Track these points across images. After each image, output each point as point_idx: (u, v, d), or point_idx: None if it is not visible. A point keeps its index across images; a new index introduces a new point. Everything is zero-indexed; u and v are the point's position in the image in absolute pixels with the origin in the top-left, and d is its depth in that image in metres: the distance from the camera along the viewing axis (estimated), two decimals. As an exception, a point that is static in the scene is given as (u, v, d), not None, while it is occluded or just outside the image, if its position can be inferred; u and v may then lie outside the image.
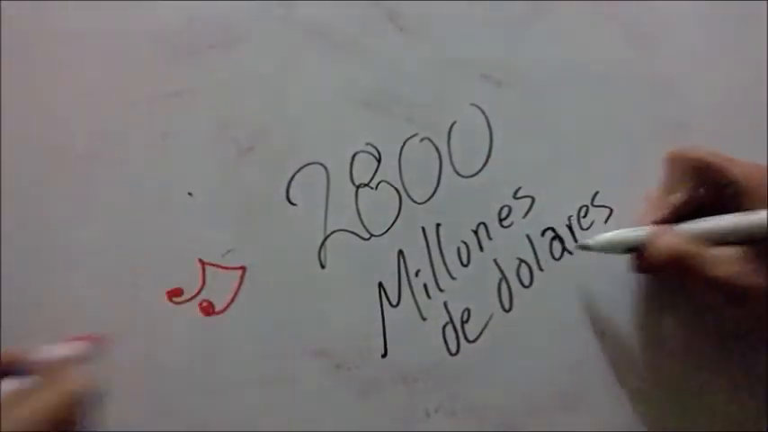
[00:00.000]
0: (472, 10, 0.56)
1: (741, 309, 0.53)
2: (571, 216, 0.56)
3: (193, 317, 0.54)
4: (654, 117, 0.57)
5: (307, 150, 0.55)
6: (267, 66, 0.55)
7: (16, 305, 0.53)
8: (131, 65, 0.55)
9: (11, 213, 0.54)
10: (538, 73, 0.56)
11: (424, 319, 0.55)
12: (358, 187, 0.55)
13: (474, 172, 0.55)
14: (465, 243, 0.55)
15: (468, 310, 0.55)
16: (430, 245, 0.55)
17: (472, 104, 0.56)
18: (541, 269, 0.55)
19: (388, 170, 0.55)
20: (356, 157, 0.55)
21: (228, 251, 0.54)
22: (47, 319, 0.53)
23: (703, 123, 0.57)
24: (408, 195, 0.55)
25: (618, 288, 0.56)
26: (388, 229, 0.55)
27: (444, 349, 0.55)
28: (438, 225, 0.55)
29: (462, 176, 0.55)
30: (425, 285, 0.55)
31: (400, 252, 0.55)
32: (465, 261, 0.55)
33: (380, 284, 0.55)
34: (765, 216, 0.47)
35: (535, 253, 0.55)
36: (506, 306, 0.55)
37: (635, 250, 0.51)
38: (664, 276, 0.54)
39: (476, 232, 0.55)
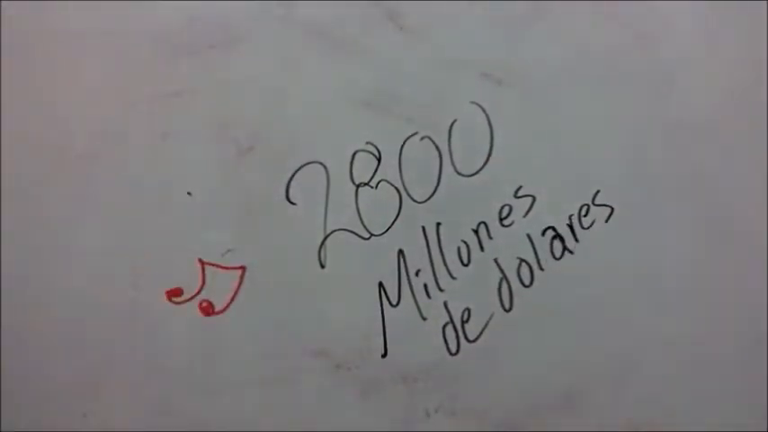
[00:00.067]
0: (472, 10, 0.56)
1: None
2: (572, 215, 0.56)
3: (193, 317, 0.54)
4: (654, 116, 0.57)
5: (307, 150, 0.55)
6: (267, 66, 0.55)
7: (16, 305, 0.53)
8: (131, 65, 0.55)
9: (11, 213, 0.54)
10: (538, 72, 0.56)
11: (424, 318, 0.55)
12: (358, 186, 0.55)
13: (474, 171, 0.55)
14: (465, 242, 0.55)
15: (468, 309, 0.55)
16: (430, 244, 0.55)
17: (473, 103, 0.56)
18: (542, 269, 0.55)
19: (389, 169, 0.55)
20: (356, 157, 0.55)
21: (228, 251, 0.54)
22: (47, 318, 0.53)
23: (703, 123, 0.57)
24: (408, 194, 0.55)
25: (618, 288, 0.55)
26: (389, 228, 0.55)
27: (444, 349, 0.55)
28: (438, 224, 0.55)
29: (463, 175, 0.55)
30: (425, 285, 0.55)
31: (400, 252, 0.55)
32: (465, 260, 0.55)
33: (380, 284, 0.55)
34: None
35: (536, 252, 0.55)
36: (506, 306, 0.55)
37: None
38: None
39: (476, 231, 0.55)
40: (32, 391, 0.53)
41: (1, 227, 0.53)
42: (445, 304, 0.55)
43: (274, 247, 0.54)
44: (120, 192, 0.54)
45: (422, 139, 0.55)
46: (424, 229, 0.55)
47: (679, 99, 0.57)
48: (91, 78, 0.54)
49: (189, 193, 0.54)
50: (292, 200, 0.54)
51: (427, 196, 0.55)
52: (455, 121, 0.55)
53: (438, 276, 0.55)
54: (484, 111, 0.56)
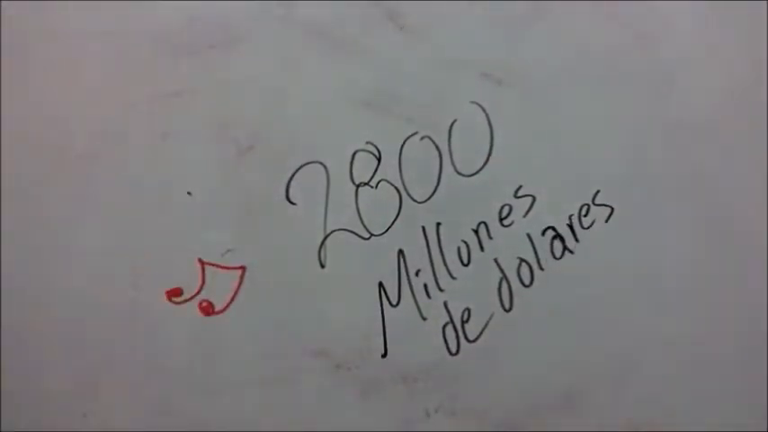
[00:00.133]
0: (472, 10, 0.56)
1: None
2: (572, 215, 0.56)
3: (193, 317, 0.54)
4: (654, 116, 0.57)
5: (307, 150, 0.55)
6: (267, 66, 0.55)
7: (16, 305, 0.53)
8: (131, 65, 0.55)
9: (11, 213, 0.54)
10: (538, 72, 0.56)
11: (424, 319, 0.55)
12: (358, 186, 0.55)
13: (474, 171, 0.55)
14: (465, 242, 0.55)
15: (468, 309, 0.55)
16: (430, 244, 0.55)
17: (473, 103, 0.56)
18: (542, 268, 0.55)
19: (389, 169, 0.55)
20: (356, 156, 0.55)
21: (228, 251, 0.54)
22: (47, 318, 0.53)
23: (703, 123, 0.57)
24: (408, 194, 0.55)
25: (618, 288, 0.55)
26: (389, 228, 0.55)
27: (444, 349, 0.55)
28: (438, 224, 0.55)
29: (463, 175, 0.55)
30: (425, 285, 0.55)
31: (400, 252, 0.55)
32: (465, 260, 0.55)
33: (380, 284, 0.55)
34: None
35: (536, 252, 0.55)
36: (507, 306, 0.55)
37: None
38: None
39: (476, 231, 0.55)
40: (32, 391, 0.53)
41: (1, 227, 0.53)
42: (445, 304, 0.55)
43: (274, 247, 0.54)
44: (120, 192, 0.54)
45: (422, 139, 0.55)
46: (424, 229, 0.55)
47: (679, 99, 0.57)
48: (91, 78, 0.54)
49: (189, 193, 0.54)
50: (292, 200, 0.54)
51: (427, 196, 0.55)
52: (455, 121, 0.55)
53: (438, 276, 0.55)
54: (484, 111, 0.56)
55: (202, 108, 0.55)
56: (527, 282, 0.55)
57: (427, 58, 0.56)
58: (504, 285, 0.55)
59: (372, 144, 0.55)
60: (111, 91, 0.54)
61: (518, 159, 0.56)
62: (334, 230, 0.54)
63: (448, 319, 0.55)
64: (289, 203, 0.54)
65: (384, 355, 0.54)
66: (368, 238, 0.55)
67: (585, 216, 0.56)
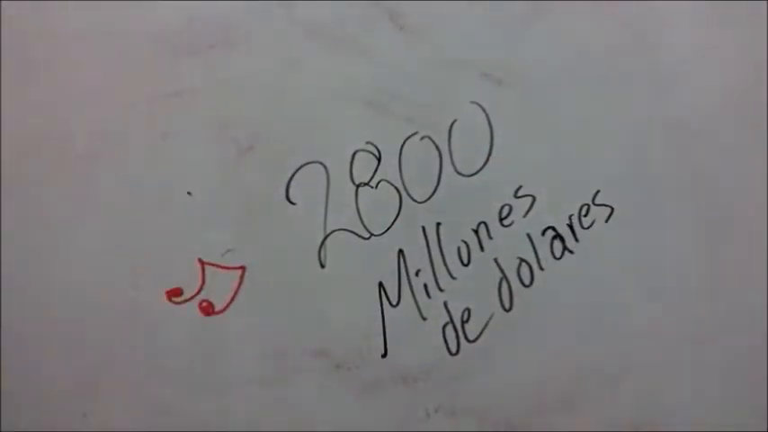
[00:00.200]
0: (472, 10, 0.56)
1: None
2: (572, 215, 0.56)
3: (193, 317, 0.54)
4: (654, 117, 0.57)
5: (306, 150, 0.55)
6: (267, 66, 0.55)
7: (16, 305, 0.53)
8: (131, 65, 0.55)
9: (11, 213, 0.54)
10: (538, 72, 0.56)
11: (424, 319, 0.55)
12: (358, 186, 0.55)
13: (474, 171, 0.55)
14: (465, 242, 0.55)
15: (468, 309, 0.55)
16: (430, 244, 0.55)
17: (473, 103, 0.56)
18: (542, 268, 0.55)
19: (389, 169, 0.55)
20: (356, 156, 0.55)
21: (228, 251, 0.54)
22: (47, 318, 0.53)
23: (703, 123, 0.57)
24: (408, 194, 0.55)
25: (618, 288, 0.55)
26: (389, 228, 0.55)
27: (444, 349, 0.55)
28: (438, 224, 0.55)
29: (463, 175, 0.55)
30: (425, 285, 0.55)
31: (400, 252, 0.55)
32: (465, 260, 0.55)
33: (380, 284, 0.55)
34: None
35: (535, 252, 0.55)
36: (506, 306, 0.55)
37: None
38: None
39: (476, 231, 0.55)
40: (32, 391, 0.53)
41: (1, 227, 0.53)
42: (445, 304, 0.55)
43: (274, 247, 0.54)
44: (120, 192, 0.54)
45: (422, 139, 0.55)
46: (423, 229, 0.55)
47: (679, 99, 0.57)
48: (91, 78, 0.55)
49: (189, 193, 0.54)
50: (292, 200, 0.54)
51: (427, 196, 0.55)
52: (455, 121, 0.56)
53: (438, 276, 0.55)
54: (484, 111, 0.56)
55: (202, 108, 0.55)
56: (527, 282, 0.55)
57: (427, 58, 0.56)
58: (504, 285, 0.55)
59: (372, 144, 0.55)
60: (111, 91, 0.54)
61: (518, 159, 0.56)
62: (335, 230, 0.54)
63: (448, 319, 0.55)
64: (289, 203, 0.54)
65: (384, 355, 0.54)
66: (368, 238, 0.55)
67: (585, 216, 0.56)
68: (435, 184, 0.55)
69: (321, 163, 0.55)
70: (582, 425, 0.55)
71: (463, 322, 0.55)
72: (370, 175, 0.55)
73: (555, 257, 0.55)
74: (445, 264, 0.55)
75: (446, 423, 0.54)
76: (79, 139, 0.54)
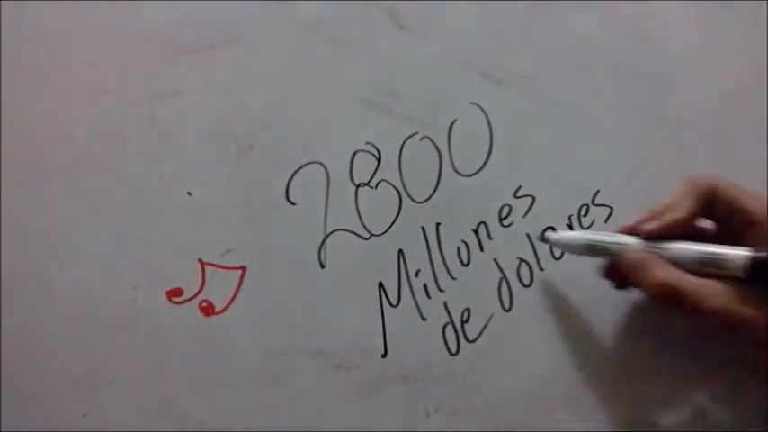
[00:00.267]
0: (472, 10, 0.57)
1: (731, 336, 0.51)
2: (572, 215, 0.56)
3: (193, 317, 0.54)
4: (654, 117, 0.57)
5: (306, 149, 0.55)
6: (267, 65, 0.55)
7: (16, 305, 0.53)
8: (131, 65, 0.55)
9: (11, 213, 0.54)
10: (538, 72, 0.56)
11: (424, 319, 0.55)
12: (358, 186, 0.55)
13: (474, 171, 0.55)
14: (465, 243, 0.55)
15: (468, 310, 0.55)
16: (430, 244, 0.55)
17: (472, 103, 0.56)
18: (542, 269, 0.55)
19: (388, 169, 0.55)
20: (356, 157, 0.55)
21: (228, 251, 0.54)
22: (47, 318, 0.53)
23: (703, 123, 0.57)
24: (408, 195, 0.55)
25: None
26: (388, 228, 0.55)
27: (444, 349, 0.55)
28: (438, 225, 0.55)
29: (462, 176, 0.55)
30: (425, 285, 0.55)
31: (400, 252, 0.55)
32: (465, 261, 0.55)
33: (380, 284, 0.55)
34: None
35: (535, 252, 0.55)
36: (506, 306, 0.55)
37: (600, 254, 0.50)
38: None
39: (476, 232, 0.55)
40: (32, 391, 0.53)
41: (1, 227, 0.53)
42: (445, 304, 0.55)
43: (274, 247, 0.54)
44: (119, 191, 0.54)
45: (422, 139, 0.55)
46: (423, 229, 0.55)
47: (679, 99, 0.57)
48: (90, 78, 0.55)
49: (189, 193, 0.54)
50: (292, 200, 0.54)
51: (427, 196, 0.55)
52: (455, 121, 0.56)
53: (438, 276, 0.55)
54: (484, 111, 0.56)
55: (202, 108, 0.55)
56: (527, 282, 0.55)
57: (427, 56, 0.56)
58: (504, 285, 0.55)
59: (372, 144, 0.55)
60: (111, 91, 0.54)
61: (518, 159, 0.56)
62: (335, 230, 0.54)
63: (448, 319, 0.55)
64: (289, 203, 0.54)
65: (384, 355, 0.54)
66: (368, 239, 0.55)
67: (585, 216, 0.56)
68: (435, 184, 0.55)
69: (321, 163, 0.55)
70: (582, 425, 0.55)
71: (463, 322, 0.55)
72: (370, 175, 0.55)
73: (555, 258, 0.55)
74: (445, 264, 0.55)
75: (446, 423, 0.54)
76: (79, 139, 0.54)
